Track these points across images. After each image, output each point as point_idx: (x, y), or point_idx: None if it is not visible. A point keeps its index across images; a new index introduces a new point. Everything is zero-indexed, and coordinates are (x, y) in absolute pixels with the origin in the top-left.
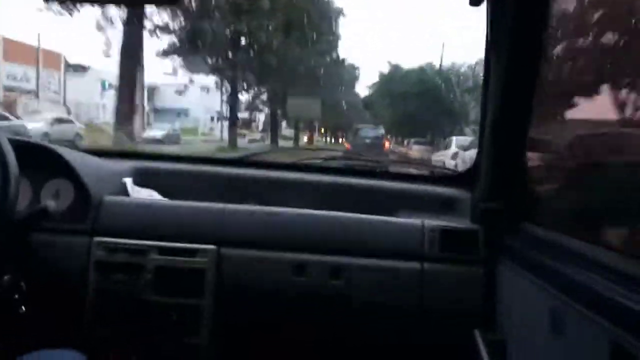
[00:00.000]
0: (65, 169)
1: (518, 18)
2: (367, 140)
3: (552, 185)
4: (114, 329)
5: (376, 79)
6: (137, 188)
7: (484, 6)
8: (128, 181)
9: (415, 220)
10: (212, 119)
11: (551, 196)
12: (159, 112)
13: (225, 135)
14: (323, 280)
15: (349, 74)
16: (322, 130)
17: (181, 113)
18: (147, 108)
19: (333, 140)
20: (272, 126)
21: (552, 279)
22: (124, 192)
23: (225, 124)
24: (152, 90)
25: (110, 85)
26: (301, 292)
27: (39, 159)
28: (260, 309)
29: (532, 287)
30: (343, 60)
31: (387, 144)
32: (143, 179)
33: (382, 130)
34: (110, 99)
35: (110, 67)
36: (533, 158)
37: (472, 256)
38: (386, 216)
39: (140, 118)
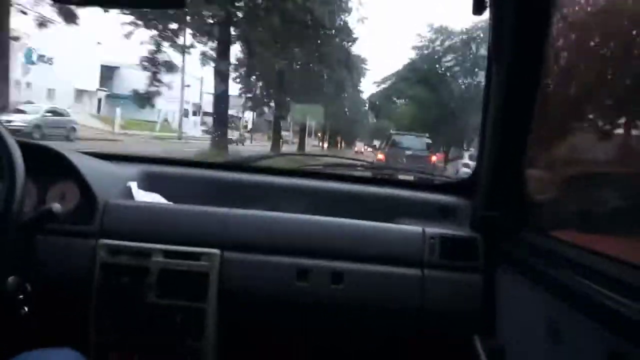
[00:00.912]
0: (71, 172)
1: (521, 27)
2: (408, 152)
3: (551, 193)
4: (117, 331)
5: (380, 76)
6: (142, 192)
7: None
8: (133, 185)
9: (415, 227)
10: (185, 112)
11: (550, 204)
12: (116, 99)
13: (193, 132)
14: (325, 285)
15: (354, 66)
16: (319, 134)
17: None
18: (101, 94)
19: (327, 146)
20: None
21: (551, 286)
22: (129, 195)
23: (193, 119)
24: (110, 72)
25: (41, 57)
26: (303, 297)
27: (45, 161)
28: (263, 314)
29: (531, 294)
30: (347, 36)
31: (434, 158)
32: (148, 183)
33: (427, 140)
34: (41, 74)
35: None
36: (533, 166)
37: (472, 263)
38: (387, 223)
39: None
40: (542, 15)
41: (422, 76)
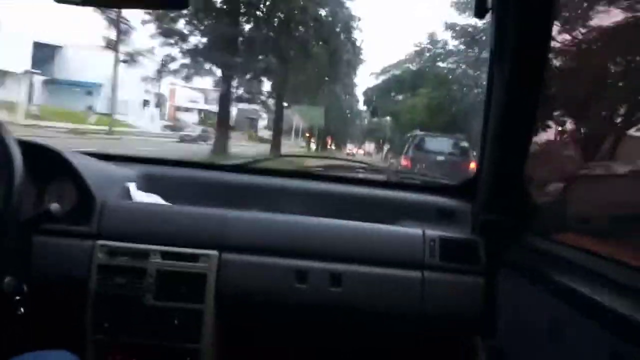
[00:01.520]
0: (69, 172)
1: (522, 31)
2: (440, 157)
3: (552, 197)
4: (114, 333)
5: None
6: (140, 193)
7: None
8: (131, 186)
9: (416, 230)
10: (144, 103)
11: (551, 207)
12: (57, 85)
13: (149, 127)
14: (324, 287)
15: (346, 51)
16: (306, 134)
17: (92, 90)
18: (37, 78)
19: (312, 147)
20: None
21: (552, 288)
22: (127, 196)
23: (152, 111)
24: (51, 52)
25: None
26: (302, 298)
27: (44, 161)
28: (261, 315)
29: (531, 297)
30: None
31: (472, 165)
32: (146, 184)
33: (463, 142)
34: None
35: None
36: (534, 169)
37: (472, 266)
38: (387, 225)
39: None
40: (543, 18)
41: (435, 60)
